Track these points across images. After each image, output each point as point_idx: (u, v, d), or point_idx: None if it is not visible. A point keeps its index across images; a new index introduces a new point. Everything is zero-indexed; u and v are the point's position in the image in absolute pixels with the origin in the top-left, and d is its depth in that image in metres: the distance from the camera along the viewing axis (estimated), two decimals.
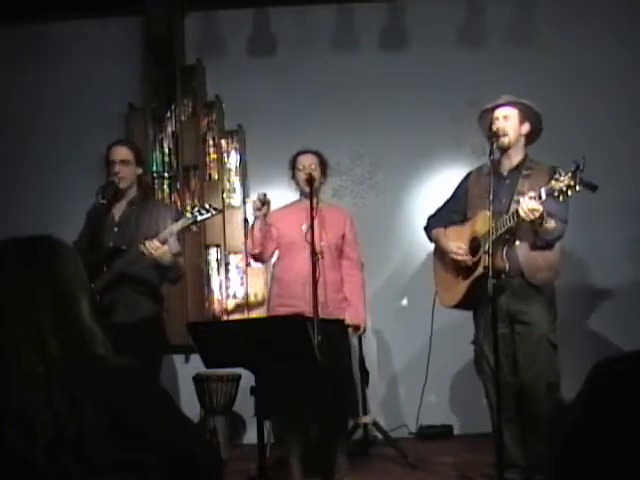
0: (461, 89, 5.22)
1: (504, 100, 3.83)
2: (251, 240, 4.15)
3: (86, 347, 1.52)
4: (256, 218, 4.11)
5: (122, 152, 4.00)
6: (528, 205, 3.44)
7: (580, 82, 5.23)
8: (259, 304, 5.27)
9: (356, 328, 4.17)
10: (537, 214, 3.45)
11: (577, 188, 3.32)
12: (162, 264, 3.86)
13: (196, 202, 5.07)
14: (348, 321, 4.12)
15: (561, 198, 3.39)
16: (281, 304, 4.01)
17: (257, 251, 4.15)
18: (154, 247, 3.73)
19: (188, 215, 3.86)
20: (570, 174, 3.33)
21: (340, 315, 4.10)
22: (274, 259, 4.29)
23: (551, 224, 3.58)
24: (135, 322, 3.83)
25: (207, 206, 3.88)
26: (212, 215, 3.89)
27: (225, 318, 5.21)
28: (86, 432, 1.44)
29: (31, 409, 1.43)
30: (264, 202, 4.02)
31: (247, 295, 5.30)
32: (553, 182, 3.38)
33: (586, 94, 5.22)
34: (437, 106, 5.28)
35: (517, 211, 3.51)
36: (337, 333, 4.04)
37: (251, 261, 5.29)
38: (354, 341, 4.54)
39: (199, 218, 3.84)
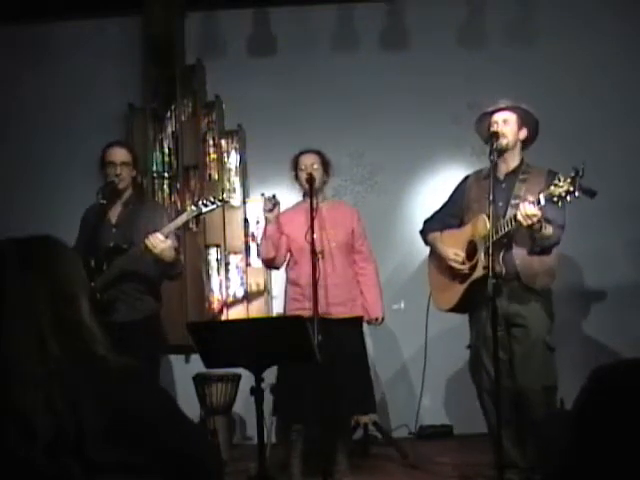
0: (461, 90, 5.23)
1: (504, 104, 3.81)
2: (265, 244, 4.15)
3: (86, 347, 1.52)
4: (267, 221, 4.12)
5: (122, 154, 4.03)
6: (527, 210, 3.42)
7: (579, 83, 5.23)
8: (259, 304, 5.27)
9: (373, 320, 4.21)
10: (535, 219, 3.43)
11: (576, 194, 3.30)
12: (164, 260, 3.83)
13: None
14: (365, 317, 4.18)
15: (560, 204, 3.38)
16: (300, 308, 3.98)
17: (272, 255, 4.15)
18: (158, 241, 3.73)
19: (192, 208, 3.87)
20: (569, 180, 3.30)
21: (356, 312, 4.14)
22: (286, 263, 4.29)
23: (548, 230, 3.57)
24: (136, 321, 3.84)
25: (212, 198, 3.88)
26: (217, 206, 3.89)
27: (225, 318, 5.21)
28: (86, 432, 1.43)
29: (31, 409, 1.43)
30: (275, 203, 4.05)
31: (247, 295, 5.30)
32: (552, 187, 3.36)
33: (585, 95, 5.22)
34: (437, 107, 5.29)
35: (515, 216, 3.50)
36: (351, 331, 4.10)
37: (252, 262, 5.30)
38: None
39: (204, 210, 3.84)
